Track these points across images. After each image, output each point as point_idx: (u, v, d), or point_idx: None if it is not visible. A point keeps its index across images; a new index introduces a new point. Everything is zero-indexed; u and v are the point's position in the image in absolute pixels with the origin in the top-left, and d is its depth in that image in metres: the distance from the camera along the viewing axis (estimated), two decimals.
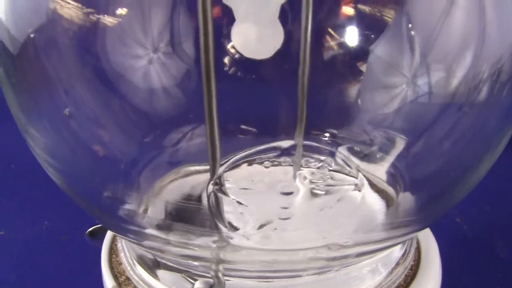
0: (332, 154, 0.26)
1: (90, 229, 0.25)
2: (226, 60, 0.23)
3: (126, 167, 0.23)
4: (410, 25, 0.20)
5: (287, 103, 0.26)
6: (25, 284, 0.44)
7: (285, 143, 0.26)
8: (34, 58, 0.20)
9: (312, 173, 0.25)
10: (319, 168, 0.26)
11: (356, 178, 0.25)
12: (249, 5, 0.21)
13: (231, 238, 0.20)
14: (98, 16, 0.19)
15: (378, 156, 0.25)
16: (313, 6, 0.22)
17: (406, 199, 0.23)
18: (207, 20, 0.18)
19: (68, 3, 0.19)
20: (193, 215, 0.23)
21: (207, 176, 0.21)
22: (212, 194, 0.21)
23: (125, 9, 0.20)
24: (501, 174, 0.69)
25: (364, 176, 0.25)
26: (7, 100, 0.21)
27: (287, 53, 0.23)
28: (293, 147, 0.26)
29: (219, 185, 0.21)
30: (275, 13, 0.21)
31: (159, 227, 0.21)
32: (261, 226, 0.21)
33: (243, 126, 0.26)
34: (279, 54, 0.21)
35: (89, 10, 0.19)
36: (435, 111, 0.21)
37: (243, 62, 0.23)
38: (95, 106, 0.22)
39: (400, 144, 0.24)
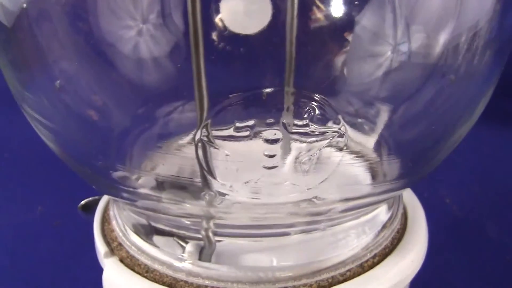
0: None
1: (82, 203, 0.26)
2: (214, 35, 0.23)
3: (118, 136, 0.24)
4: None
5: (275, 75, 0.26)
6: (19, 269, 0.44)
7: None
8: (27, 29, 0.21)
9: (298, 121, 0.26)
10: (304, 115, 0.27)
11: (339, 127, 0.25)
12: None
13: (220, 191, 0.21)
14: None
15: (365, 127, 0.26)
16: None
17: (390, 159, 0.24)
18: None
19: None
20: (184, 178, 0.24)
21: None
22: (200, 143, 0.22)
23: None
24: (490, 154, 0.70)
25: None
26: (2, 69, 0.21)
27: (275, 25, 0.24)
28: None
29: (207, 133, 0.22)
30: None
31: (152, 187, 0.22)
32: (248, 180, 0.22)
33: (231, 96, 0.27)
34: (268, 27, 0.22)
35: None
36: (418, 77, 0.22)
37: (231, 36, 0.23)
38: (86, 76, 0.22)
39: (386, 113, 0.24)
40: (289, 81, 0.25)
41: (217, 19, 0.23)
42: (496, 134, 0.74)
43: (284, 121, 0.24)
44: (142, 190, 0.21)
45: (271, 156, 0.23)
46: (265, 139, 0.24)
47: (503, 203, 0.59)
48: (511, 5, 0.21)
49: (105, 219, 0.24)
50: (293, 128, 0.24)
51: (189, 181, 0.22)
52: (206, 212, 0.20)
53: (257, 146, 0.24)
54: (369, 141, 0.25)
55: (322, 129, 0.24)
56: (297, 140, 0.24)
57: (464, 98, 0.21)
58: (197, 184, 0.22)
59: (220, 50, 0.24)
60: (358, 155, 0.24)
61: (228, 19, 0.23)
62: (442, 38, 0.20)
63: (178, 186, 0.22)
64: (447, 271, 0.49)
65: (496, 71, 0.22)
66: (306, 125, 0.25)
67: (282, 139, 0.24)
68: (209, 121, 0.22)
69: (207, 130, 0.22)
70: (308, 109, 0.25)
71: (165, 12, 0.22)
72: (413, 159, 0.22)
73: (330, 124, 0.24)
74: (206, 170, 0.22)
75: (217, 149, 0.22)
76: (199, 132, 0.22)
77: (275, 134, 0.24)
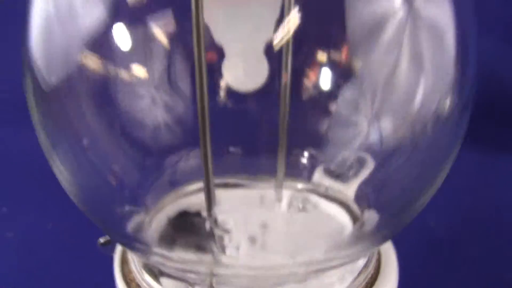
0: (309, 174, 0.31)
1: (101, 240, 0.29)
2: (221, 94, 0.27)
3: (132, 191, 0.27)
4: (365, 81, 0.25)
5: (271, 129, 0.30)
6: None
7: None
8: (59, 99, 0.24)
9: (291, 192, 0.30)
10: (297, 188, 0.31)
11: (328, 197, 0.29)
12: (238, 43, 0.25)
13: (221, 258, 0.25)
14: (110, 68, 0.24)
15: (348, 177, 0.30)
16: (293, 48, 0.26)
17: (370, 216, 0.27)
18: (201, 60, 0.22)
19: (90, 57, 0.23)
20: (191, 232, 0.27)
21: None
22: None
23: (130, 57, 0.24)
24: (474, 179, 0.74)
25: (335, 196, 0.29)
26: (34, 125, 0.25)
27: (271, 87, 0.27)
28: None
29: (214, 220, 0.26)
30: (261, 49, 0.25)
31: (161, 245, 0.25)
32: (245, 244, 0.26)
33: (231, 148, 0.30)
34: (264, 87, 0.26)
35: (104, 63, 0.23)
36: (390, 147, 0.26)
37: (233, 95, 0.27)
38: (105, 139, 0.26)
39: (364, 171, 0.28)
40: (283, 142, 0.29)
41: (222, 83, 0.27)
42: (480, 161, 0.78)
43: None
44: (153, 248, 0.25)
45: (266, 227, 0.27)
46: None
47: (485, 227, 0.63)
48: (467, 81, 0.24)
49: (124, 260, 0.28)
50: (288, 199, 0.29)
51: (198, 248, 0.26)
52: (209, 271, 0.24)
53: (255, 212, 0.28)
54: (349, 192, 0.29)
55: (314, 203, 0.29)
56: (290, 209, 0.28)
57: (430, 163, 0.25)
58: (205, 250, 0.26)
59: (223, 108, 0.27)
60: (344, 220, 0.28)
61: (229, 77, 0.26)
62: (408, 117, 0.24)
63: (184, 247, 0.25)
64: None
65: (458, 138, 0.25)
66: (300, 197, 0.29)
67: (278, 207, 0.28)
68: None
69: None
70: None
71: (173, 80, 0.26)
72: (390, 216, 0.26)
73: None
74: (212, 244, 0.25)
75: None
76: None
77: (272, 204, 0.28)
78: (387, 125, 0.25)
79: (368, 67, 0.25)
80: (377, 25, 0.22)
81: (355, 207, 0.28)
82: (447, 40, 0.23)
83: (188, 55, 0.25)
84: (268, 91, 0.28)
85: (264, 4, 0.25)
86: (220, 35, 0.24)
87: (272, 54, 0.26)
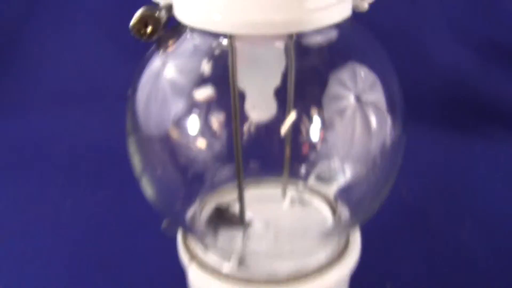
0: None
1: (165, 224, 0.43)
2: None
3: (187, 196, 0.42)
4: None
5: (278, 150, 0.44)
6: None
7: None
8: (149, 142, 0.38)
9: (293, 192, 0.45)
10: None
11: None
12: (255, 89, 0.39)
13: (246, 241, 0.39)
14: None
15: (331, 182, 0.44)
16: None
17: (343, 212, 0.42)
18: (236, 112, 0.34)
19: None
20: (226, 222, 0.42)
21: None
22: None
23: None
24: (443, 156, 0.86)
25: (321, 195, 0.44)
26: (130, 154, 0.39)
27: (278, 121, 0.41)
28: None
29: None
30: (271, 93, 0.38)
31: (207, 231, 0.40)
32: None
33: (252, 162, 0.45)
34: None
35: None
36: (355, 171, 0.40)
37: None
38: (174, 163, 0.40)
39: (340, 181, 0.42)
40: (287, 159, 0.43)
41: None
42: (447, 140, 0.90)
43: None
44: (202, 233, 0.39)
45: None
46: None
47: (449, 197, 0.75)
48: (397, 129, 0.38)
49: (184, 237, 0.42)
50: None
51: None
52: (240, 249, 0.38)
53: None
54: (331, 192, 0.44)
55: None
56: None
57: (381, 178, 0.39)
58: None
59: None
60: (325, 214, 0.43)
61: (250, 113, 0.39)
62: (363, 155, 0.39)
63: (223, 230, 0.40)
64: (397, 253, 0.64)
65: (397, 160, 0.39)
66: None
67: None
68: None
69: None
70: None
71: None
72: (357, 210, 0.40)
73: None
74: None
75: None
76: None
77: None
78: (352, 158, 0.40)
79: (337, 129, 0.39)
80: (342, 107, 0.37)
81: (334, 204, 0.43)
82: (382, 107, 0.37)
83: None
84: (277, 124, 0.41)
85: (272, 62, 0.38)
86: (242, 84, 0.37)
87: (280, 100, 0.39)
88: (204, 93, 0.36)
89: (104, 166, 0.83)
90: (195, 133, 0.38)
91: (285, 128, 0.39)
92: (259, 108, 0.39)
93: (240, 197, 0.37)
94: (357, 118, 0.37)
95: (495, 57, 0.92)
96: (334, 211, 0.43)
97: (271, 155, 0.44)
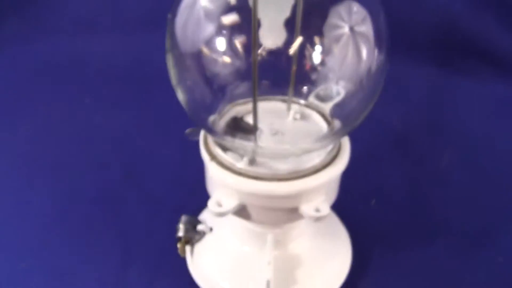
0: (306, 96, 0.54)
1: (188, 130, 0.52)
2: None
3: (211, 104, 0.51)
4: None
5: (286, 71, 0.53)
6: None
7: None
8: (185, 56, 0.47)
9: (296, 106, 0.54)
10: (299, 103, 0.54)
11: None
12: (269, 19, 0.47)
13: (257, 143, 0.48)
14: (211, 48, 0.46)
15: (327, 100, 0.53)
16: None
17: (336, 123, 0.51)
18: (255, 37, 0.41)
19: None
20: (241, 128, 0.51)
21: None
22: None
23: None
24: (431, 92, 0.94)
25: (319, 110, 0.53)
26: (168, 67, 0.47)
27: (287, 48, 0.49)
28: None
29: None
30: (282, 23, 0.47)
31: (225, 132, 0.49)
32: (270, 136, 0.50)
33: (263, 81, 0.54)
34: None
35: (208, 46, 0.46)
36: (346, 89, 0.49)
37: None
38: (202, 80, 0.49)
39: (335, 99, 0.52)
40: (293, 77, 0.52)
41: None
42: (436, 76, 0.98)
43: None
44: (221, 134, 0.48)
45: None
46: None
47: (433, 128, 0.83)
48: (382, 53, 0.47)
49: (205, 139, 0.51)
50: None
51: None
52: (253, 148, 0.47)
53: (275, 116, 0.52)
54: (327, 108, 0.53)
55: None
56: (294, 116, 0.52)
57: (367, 95, 0.48)
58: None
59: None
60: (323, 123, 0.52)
61: (264, 39, 0.48)
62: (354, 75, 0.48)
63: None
64: (383, 172, 0.72)
65: (381, 82, 0.48)
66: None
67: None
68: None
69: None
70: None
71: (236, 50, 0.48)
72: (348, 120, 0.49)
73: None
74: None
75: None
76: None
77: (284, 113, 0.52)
78: (345, 79, 0.49)
79: (334, 54, 0.47)
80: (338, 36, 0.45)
81: (329, 117, 0.52)
82: (371, 37, 0.46)
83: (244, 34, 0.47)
84: (286, 50, 0.49)
85: None
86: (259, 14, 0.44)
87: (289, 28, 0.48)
88: (229, 19, 0.45)
89: (130, 86, 0.92)
90: (221, 51, 0.46)
91: (293, 48, 0.47)
92: (271, 35, 0.47)
93: (254, 108, 0.45)
94: (350, 45, 0.46)
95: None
96: (328, 123, 0.52)
97: (279, 76, 0.52)
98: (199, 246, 0.58)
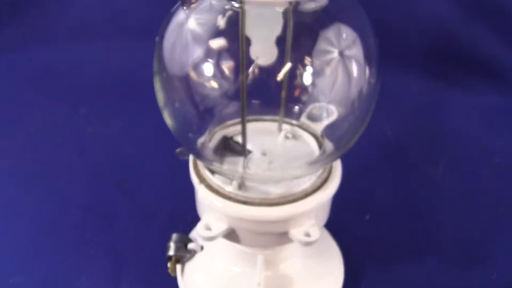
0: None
1: (178, 150, 0.52)
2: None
3: (199, 127, 0.51)
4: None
5: (277, 91, 0.52)
6: None
7: None
8: (173, 80, 0.47)
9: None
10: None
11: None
12: (260, 37, 0.46)
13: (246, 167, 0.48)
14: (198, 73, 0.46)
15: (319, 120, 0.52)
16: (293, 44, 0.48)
17: (328, 146, 0.50)
18: (243, 59, 0.42)
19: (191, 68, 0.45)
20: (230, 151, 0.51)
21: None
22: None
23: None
24: (425, 102, 0.93)
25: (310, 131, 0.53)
26: (155, 90, 0.47)
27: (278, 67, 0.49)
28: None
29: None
30: (273, 41, 0.46)
31: (214, 157, 0.48)
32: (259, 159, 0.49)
33: (254, 101, 0.53)
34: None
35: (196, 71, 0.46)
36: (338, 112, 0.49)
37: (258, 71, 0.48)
38: (188, 103, 0.48)
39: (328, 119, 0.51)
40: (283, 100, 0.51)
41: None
42: (429, 87, 0.98)
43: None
44: (210, 159, 0.48)
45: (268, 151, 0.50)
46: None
47: (427, 139, 0.83)
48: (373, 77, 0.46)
49: (195, 161, 0.50)
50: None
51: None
52: (241, 174, 0.47)
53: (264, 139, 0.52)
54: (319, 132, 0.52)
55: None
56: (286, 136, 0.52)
57: (358, 118, 0.48)
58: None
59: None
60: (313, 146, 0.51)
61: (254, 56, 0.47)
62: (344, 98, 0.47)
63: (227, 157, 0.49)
64: (378, 186, 0.71)
65: (372, 104, 0.47)
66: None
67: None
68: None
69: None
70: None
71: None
72: (339, 144, 0.49)
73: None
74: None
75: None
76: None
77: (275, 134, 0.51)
78: (336, 102, 0.48)
79: (324, 77, 0.47)
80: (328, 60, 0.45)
81: (320, 139, 0.52)
82: (361, 60, 0.45)
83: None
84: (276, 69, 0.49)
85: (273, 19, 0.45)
86: (249, 33, 0.44)
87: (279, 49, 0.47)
88: (218, 43, 0.44)
89: (125, 95, 0.92)
90: (209, 74, 0.45)
91: (281, 74, 0.47)
92: (263, 53, 0.46)
93: (243, 132, 0.44)
94: (339, 69, 0.45)
95: (478, 10, 0.97)
96: (320, 145, 0.51)
97: (270, 96, 0.51)
98: (190, 265, 0.57)
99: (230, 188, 0.46)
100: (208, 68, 0.45)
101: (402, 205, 0.69)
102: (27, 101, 0.93)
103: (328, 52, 0.45)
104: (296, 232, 0.46)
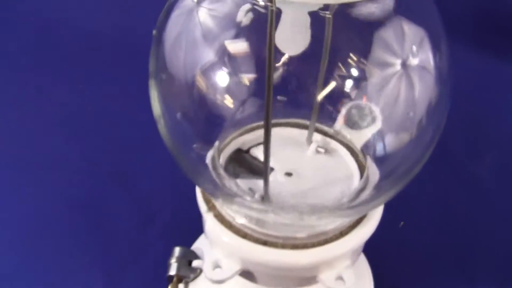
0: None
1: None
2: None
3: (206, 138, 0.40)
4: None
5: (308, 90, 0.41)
6: None
7: None
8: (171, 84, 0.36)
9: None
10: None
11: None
12: (290, 13, 0.34)
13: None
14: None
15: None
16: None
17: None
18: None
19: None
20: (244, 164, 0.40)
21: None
22: None
23: None
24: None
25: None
26: (151, 99, 0.36)
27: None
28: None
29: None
30: (307, 21, 0.35)
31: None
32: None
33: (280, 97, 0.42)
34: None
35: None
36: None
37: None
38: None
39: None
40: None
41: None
42: (479, 63, 0.86)
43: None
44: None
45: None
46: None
47: (475, 127, 0.73)
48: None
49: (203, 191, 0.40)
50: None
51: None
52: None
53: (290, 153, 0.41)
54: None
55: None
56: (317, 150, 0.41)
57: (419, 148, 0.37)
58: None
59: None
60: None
61: (280, 43, 0.36)
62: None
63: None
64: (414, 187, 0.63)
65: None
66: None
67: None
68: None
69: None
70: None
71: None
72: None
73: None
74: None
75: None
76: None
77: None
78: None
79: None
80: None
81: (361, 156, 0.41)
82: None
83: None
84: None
85: None
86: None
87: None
88: (238, 46, 0.33)
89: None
90: (224, 84, 0.35)
91: (321, 95, 0.36)
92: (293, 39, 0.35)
93: (266, 153, 0.34)
94: (401, 84, 0.34)
95: None
96: (362, 168, 0.40)
97: (298, 93, 0.42)
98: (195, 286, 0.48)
99: (244, 221, 0.37)
100: (222, 77, 0.35)
101: (442, 209, 0.61)
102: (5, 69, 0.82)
103: (387, 62, 0.34)
104: (326, 277, 0.37)
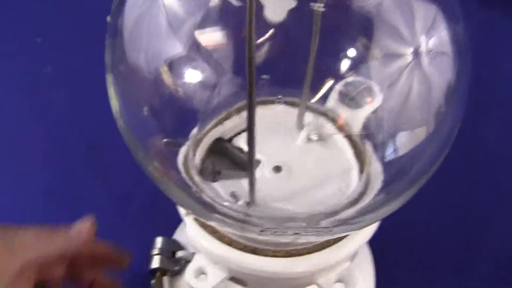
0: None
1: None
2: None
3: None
4: None
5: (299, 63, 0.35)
6: None
7: None
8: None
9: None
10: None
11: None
12: None
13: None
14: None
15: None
16: None
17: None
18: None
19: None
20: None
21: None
22: None
23: None
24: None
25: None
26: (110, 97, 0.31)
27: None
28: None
29: None
30: None
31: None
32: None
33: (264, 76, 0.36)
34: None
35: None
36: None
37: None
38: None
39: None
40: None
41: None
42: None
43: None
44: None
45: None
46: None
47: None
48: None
49: None
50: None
51: None
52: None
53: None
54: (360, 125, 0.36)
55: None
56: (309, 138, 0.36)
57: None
58: None
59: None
60: None
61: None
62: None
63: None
64: None
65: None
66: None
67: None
68: None
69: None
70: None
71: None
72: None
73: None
74: None
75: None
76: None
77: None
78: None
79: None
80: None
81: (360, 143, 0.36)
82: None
83: None
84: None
85: None
86: None
87: None
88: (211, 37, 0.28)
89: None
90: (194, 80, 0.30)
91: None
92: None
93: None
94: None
95: None
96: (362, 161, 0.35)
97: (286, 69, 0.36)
98: (182, 279, 0.43)
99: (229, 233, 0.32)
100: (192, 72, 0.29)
101: (441, 198, 0.54)
102: None
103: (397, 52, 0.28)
104: (325, 281, 0.34)
